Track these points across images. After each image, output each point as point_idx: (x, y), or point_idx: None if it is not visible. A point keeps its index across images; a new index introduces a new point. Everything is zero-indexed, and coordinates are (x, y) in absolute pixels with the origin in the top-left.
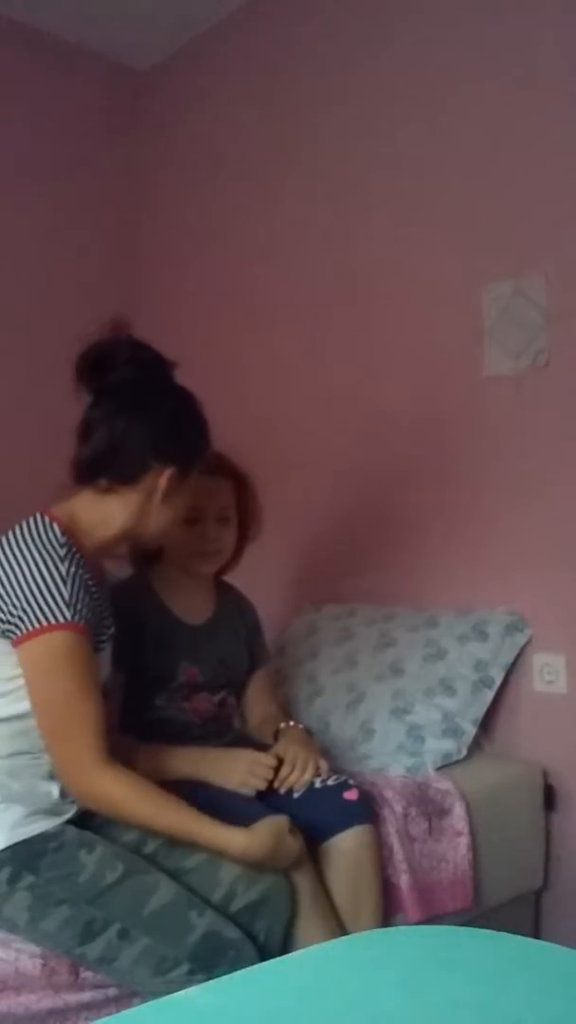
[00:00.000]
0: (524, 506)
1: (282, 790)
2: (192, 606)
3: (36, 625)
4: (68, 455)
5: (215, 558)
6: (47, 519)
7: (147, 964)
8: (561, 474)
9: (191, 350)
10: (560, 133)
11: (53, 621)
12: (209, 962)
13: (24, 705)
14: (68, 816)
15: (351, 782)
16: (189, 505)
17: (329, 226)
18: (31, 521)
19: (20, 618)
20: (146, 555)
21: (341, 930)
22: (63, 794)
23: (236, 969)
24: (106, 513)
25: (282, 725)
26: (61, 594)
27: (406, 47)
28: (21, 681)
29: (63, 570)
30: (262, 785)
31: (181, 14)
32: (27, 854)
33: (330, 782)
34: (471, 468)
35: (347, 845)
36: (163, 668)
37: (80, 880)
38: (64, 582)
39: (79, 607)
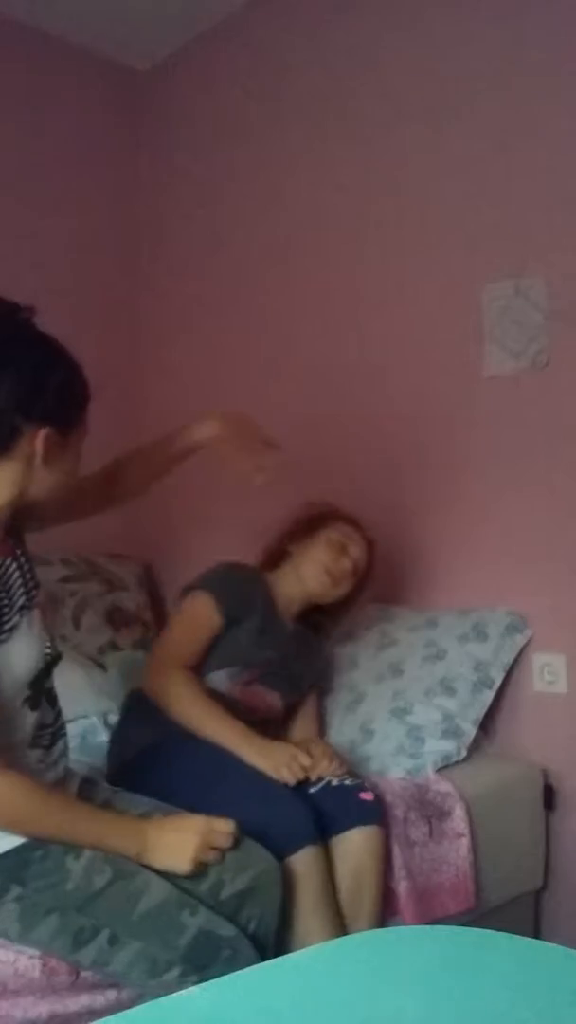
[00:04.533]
0: (524, 506)
1: (312, 777)
2: (285, 609)
3: None
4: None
5: (332, 590)
6: None
7: (141, 967)
8: (561, 474)
9: (192, 348)
10: (560, 133)
11: None
12: (203, 963)
13: None
14: None
15: (367, 785)
16: (77, 463)
17: (330, 225)
18: None
19: None
20: (273, 556)
21: (342, 931)
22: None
23: (231, 969)
24: None
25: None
26: None
27: (407, 48)
28: None
29: None
30: (292, 779)
31: (181, 14)
32: (12, 865)
33: (347, 782)
34: (471, 468)
35: (356, 842)
36: (249, 655)
37: (67, 888)
38: None
39: None
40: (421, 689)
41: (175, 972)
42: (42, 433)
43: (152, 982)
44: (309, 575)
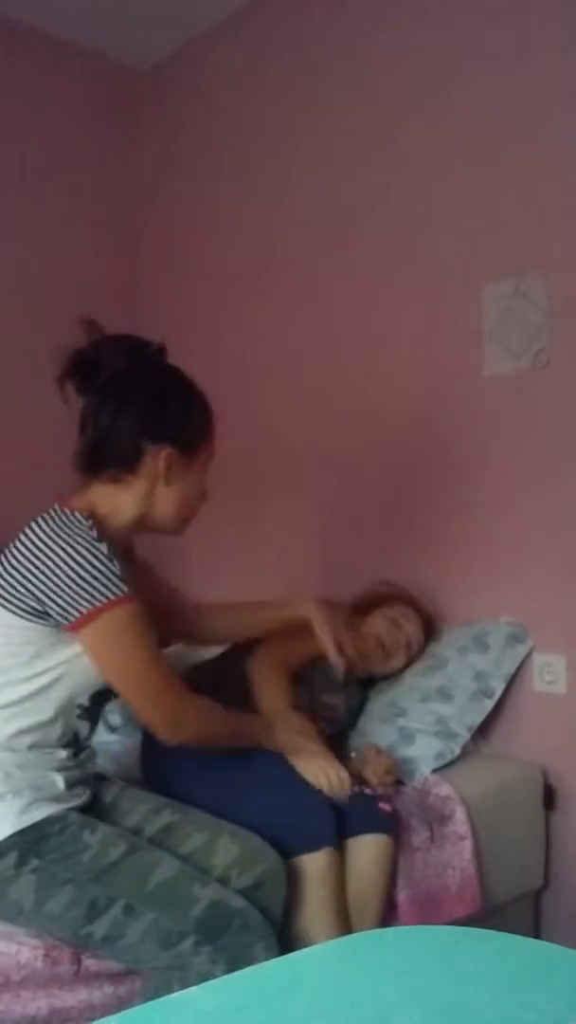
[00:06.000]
0: (525, 505)
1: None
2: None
3: (96, 604)
4: (67, 452)
5: (385, 662)
6: (68, 510)
7: (154, 939)
8: (562, 473)
9: (192, 349)
10: (560, 133)
11: (112, 598)
12: (215, 932)
13: (31, 686)
14: (73, 805)
15: (385, 798)
16: (202, 487)
17: (329, 226)
18: (52, 513)
19: (72, 603)
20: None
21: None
22: (68, 785)
23: (243, 938)
24: (118, 502)
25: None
26: (112, 571)
27: (406, 47)
28: (46, 665)
29: (104, 550)
30: (326, 788)
31: (181, 14)
32: (33, 838)
33: (368, 791)
34: (471, 469)
35: (367, 849)
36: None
37: (84, 859)
38: (111, 560)
39: (128, 581)
40: (416, 697)
41: (188, 942)
42: (164, 452)
43: (164, 954)
44: (363, 657)
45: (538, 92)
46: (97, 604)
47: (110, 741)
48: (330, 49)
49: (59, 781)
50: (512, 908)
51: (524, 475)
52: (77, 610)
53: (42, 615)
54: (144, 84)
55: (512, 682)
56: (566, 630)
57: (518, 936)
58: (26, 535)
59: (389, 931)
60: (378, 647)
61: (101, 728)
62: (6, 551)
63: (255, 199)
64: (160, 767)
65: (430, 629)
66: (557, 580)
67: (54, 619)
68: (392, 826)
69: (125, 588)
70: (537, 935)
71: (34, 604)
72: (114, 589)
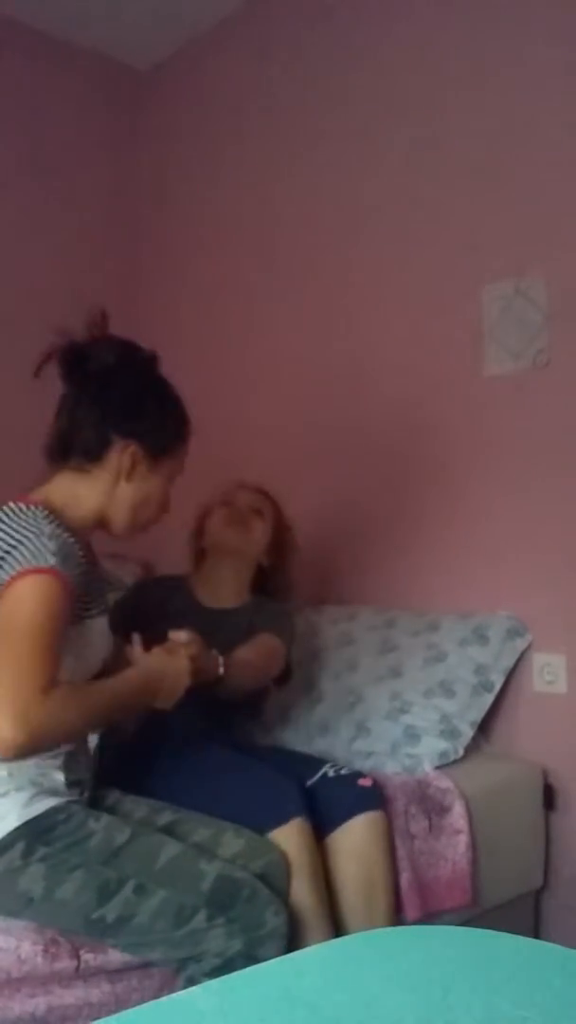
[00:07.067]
0: (525, 505)
1: None
2: (217, 593)
3: (20, 567)
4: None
5: (246, 535)
6: (20, 504)
7: (166, 916)
8: (562, 472)
9: (189, 350)
10: (559, 133)
11: (37, 565)
12: (226, 904)
13: None
14: (73, 799)
15: (364, 773)
16: (165, 496)
17: (329, 225)
18: (5, 509)
19: (3, 568)
20: (198, 559)
21: (327, 908)
22: (68, 784)
23: (253, 906)
24: (77, 494)
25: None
26: (46, 546)
27: (406, 48)
28: None
29: (48, 530)
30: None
31: (181, 14)
32: (39, 828)
33: (343, 772)
34: (471, 468)
35: (359, 831)
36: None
37: (91, 844)
38: (50, 538)
39: (65, 561)
40: (420, 691)
41: (201, 917)
42: (130, 448)
43: (178, 932)
44: (219, 541)
45: (536, 92)
46: (20, 568)
47: None
48: (330, 49)
49: (62, 777)
50: (512, 908)
51: (524, 475)
52: (7, 575)
53: None
54: (144, 84)
55: (512, 682)
56: (566, 629)
57: (518, 936)
58: None
59: (389, 931)
60: (229, 529)
61: None
62: None
63: (254, 199)
64: (121, 771)
65: (270, 496)
66: (557, 580)
67: None
68: (379, 800)
69: (54, 561)
70: (537, 935)
71: None
72: (41, 559)
